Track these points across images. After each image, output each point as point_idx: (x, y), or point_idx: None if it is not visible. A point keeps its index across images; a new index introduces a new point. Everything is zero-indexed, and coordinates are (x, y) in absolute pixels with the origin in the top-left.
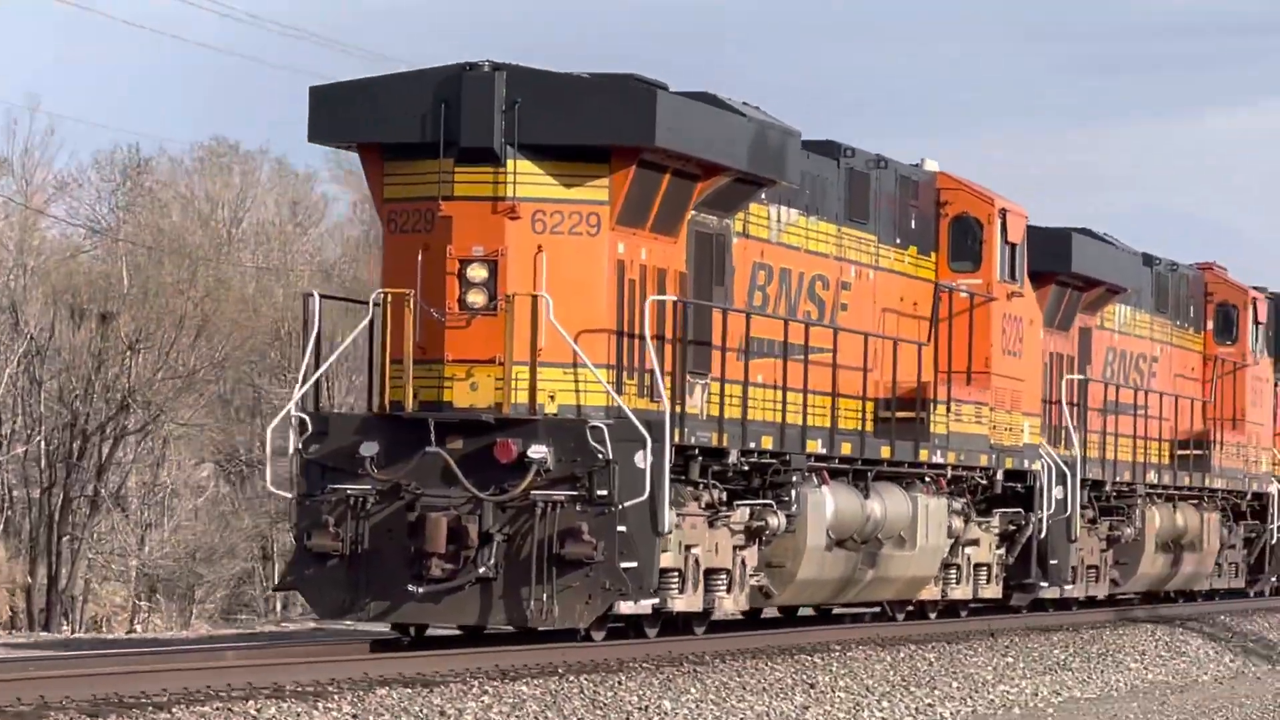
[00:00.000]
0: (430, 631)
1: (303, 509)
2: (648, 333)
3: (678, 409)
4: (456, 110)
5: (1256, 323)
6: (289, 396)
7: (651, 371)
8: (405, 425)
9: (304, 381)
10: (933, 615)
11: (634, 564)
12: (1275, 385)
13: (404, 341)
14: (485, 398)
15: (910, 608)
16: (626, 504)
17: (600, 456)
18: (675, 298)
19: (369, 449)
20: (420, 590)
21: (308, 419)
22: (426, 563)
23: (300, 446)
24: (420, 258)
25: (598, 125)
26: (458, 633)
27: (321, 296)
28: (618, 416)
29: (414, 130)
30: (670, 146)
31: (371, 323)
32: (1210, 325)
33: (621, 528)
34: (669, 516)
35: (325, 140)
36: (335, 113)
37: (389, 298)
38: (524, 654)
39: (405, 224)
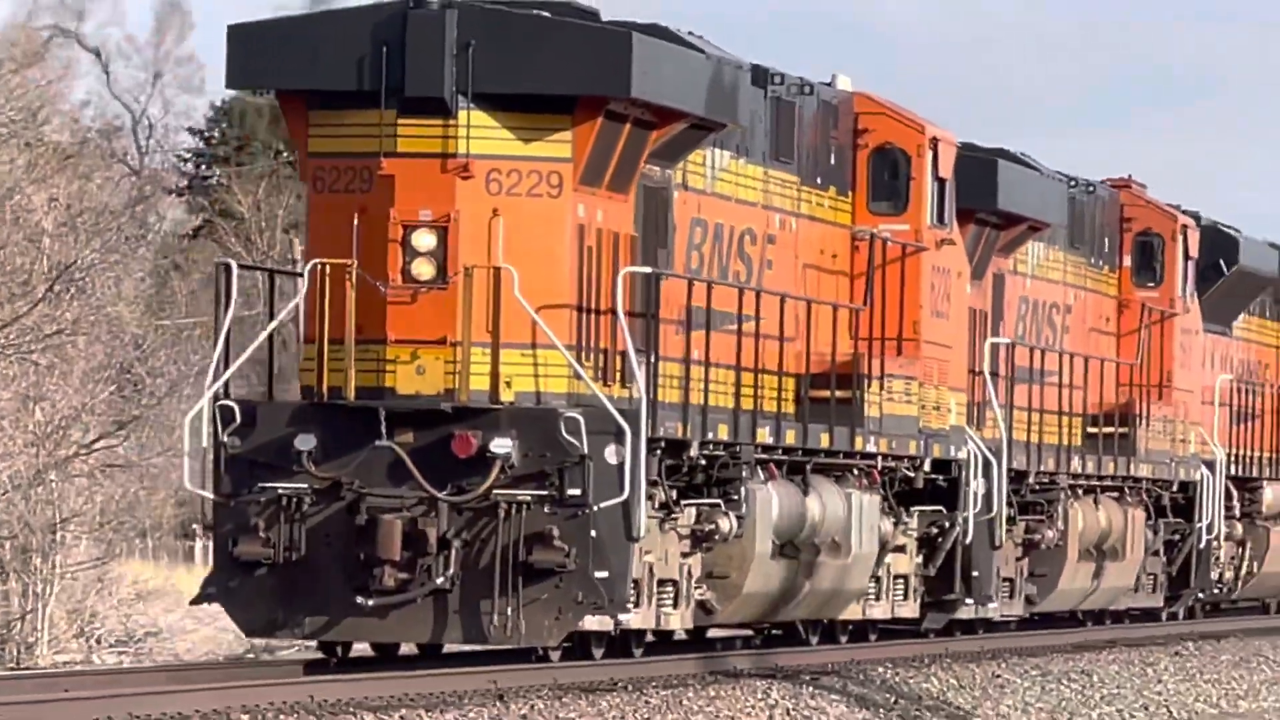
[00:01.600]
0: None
1: (226, 511)
2: (620, 309)
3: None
4: (400, 54)
5: (1187, 258)
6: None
7: (624, 353)
8: (347, 415)
9: (225, 365)
10: (843, 639)
11: (606, 573)
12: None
13: (346, 319)
14: (433, 383)
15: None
16: (602, 505)
17: (573, 451)
18: (650, 269)
19: (305, 442)
20: (370, 603)
21: (235, 408)
22: (378, 572)
23: (224, 440)
24: (356, 221)
25: (564, 72)
26: (370, 653)
27: (241, 267)
28: (585, 404)
29: (350, 76)
30: (644, 97)
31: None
32: (1128, 261)
33: (593, 532)
34: (644, 520)
35: (245, 85)
36: (258, 54)
37: (326, 269)
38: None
39: (336, 183)
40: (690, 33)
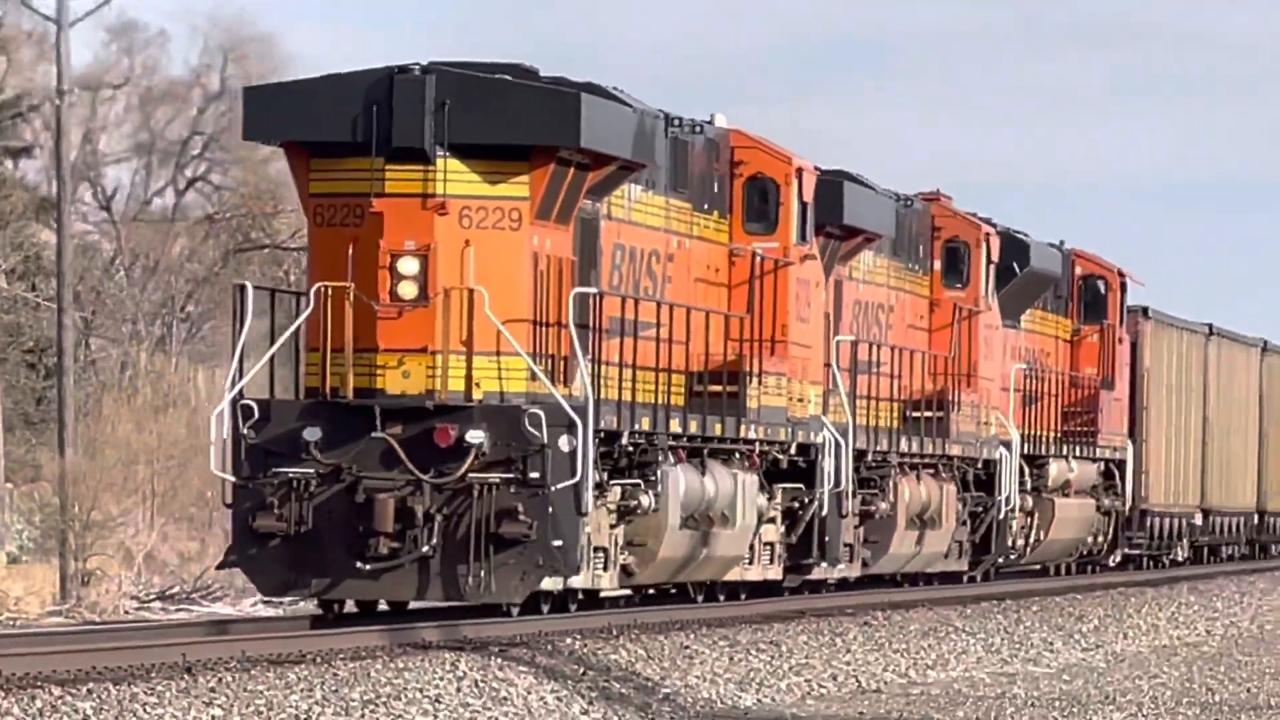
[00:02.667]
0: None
1: (245, 491)
2: (571, 322)
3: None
4: (388, 111)
5: (989, 262)
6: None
7: (569, 359)
8: (346, 411)
9: (241, 372)
10: (721, 597)
11: (561, 543)
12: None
13: (345, 332)
14: (417, 385)
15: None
16: (558, 486)
17: (534, 441)
18: (594, 290)
19: (312, 434)
20: (367, 568)
21: (253, 405)
22: (373, 541)
23: (243, 432)
24: (351, 250)
25: (524, 126)
26: (352, 610)
27: (255, 288)
28: (542, 402)
29: (345, 130)
30: (589, 146)
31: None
32: (938, 265)
33: (550, 509)
34: (591, 498)
35: (259, 138)
36: (269, 112)
37: (328, 290)
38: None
39: (334, 218)
40: (615, 88)
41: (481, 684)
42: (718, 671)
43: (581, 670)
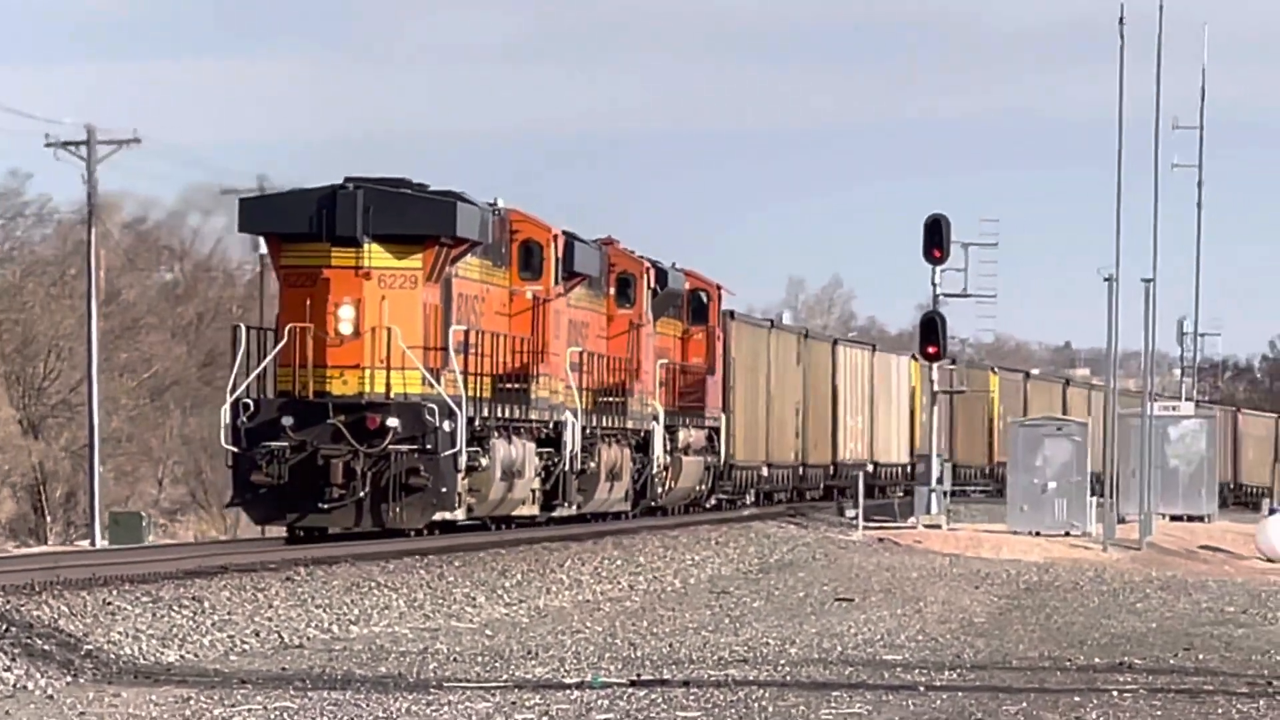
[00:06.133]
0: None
1: (243, 456)
2: (451, 348)
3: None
4: (332, 212)
5: (649, 288)
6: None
7: (442, 371)
8: (308, 406)
9: (237, 384)
10: (505, 526)
11: (446, 490)
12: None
13: (307, 354)
14: (353, 388)
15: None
16: (444, 453)
17: (430, 424)
18: (466, 326)
19: (287, 420)
20: (325, 507)
21: (250, 402)
22: (328, 490)
23: (242, 419)
24: (309, 303)
25: (419, 223)
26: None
27: (248, 327)
28: (432, 399)
29: (305, 224)
30: (458, 234)
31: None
32: (613, 291)
33: (440, 468)
34: (464, 461)
35: (250, 231)
36: (256, 214)
37: (297, 329)
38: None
39: (298, 281)
40: (463, 192)
41: None
42: (140, 628)
43: (4, 627)
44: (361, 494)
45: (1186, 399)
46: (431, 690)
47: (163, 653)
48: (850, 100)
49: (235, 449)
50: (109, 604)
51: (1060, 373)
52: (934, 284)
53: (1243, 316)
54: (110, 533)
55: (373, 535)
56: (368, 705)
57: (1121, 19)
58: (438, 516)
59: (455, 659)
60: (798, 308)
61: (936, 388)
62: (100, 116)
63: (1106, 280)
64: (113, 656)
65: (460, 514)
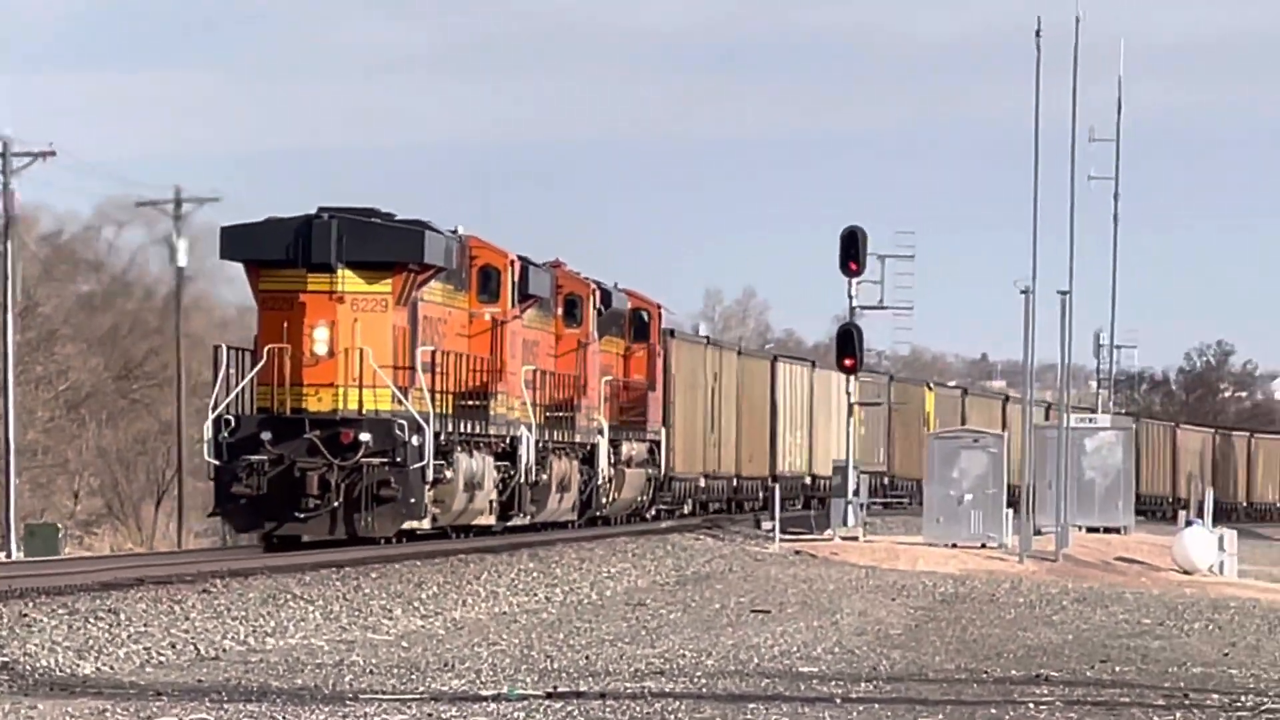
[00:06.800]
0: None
1: (225, 469)
2: (419, 367)
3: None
4: (308, 240)
5: (595, 309)
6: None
7: (420, 389)
8: (286, 421)
9: (219, 401)
10: (464, 535)
11: (414, 500)
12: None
13: (284, 373)
14: (328, 405)
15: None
16: (413, 466)
17: (400, 439)
18: (432, 346)
19: (266, 435)
20: (301, 516)
21: (231, 418)
22: (304, 500)
23: (223, 434)
24: (286, 325)
25: (389, 250)
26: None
27: (229, 347)
28: (402, 415)
29: (282, 252)
30: (426, 261)
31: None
32: (560, 312)
33: (409, 480)
34: (431, 474)
35: (230, 257)
36: (236, 241)
37: (276, 350)
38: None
39: (275, 306)
40: (429, 221)
41: None
42: (56, 640)
43: None
44: (335, 504)
45: (1103, 411)
46: (348, 702)
47: (79, 665)
48: (767, 112)
49: (217, 462)
50: (25, 615)
51: (976, 385)
52: (850, 296)
53: (1158, 329)
54: (25, 544)
55: (344, 543)
56: (284, 717)
57: (1038, 31)
58: (406, 525)
59: (371, 671)
60: (714, 319)
61: (854, 400)
62: (11, 129)
63: (1023, 293)
64: (29, 669)
65: (426, 523)
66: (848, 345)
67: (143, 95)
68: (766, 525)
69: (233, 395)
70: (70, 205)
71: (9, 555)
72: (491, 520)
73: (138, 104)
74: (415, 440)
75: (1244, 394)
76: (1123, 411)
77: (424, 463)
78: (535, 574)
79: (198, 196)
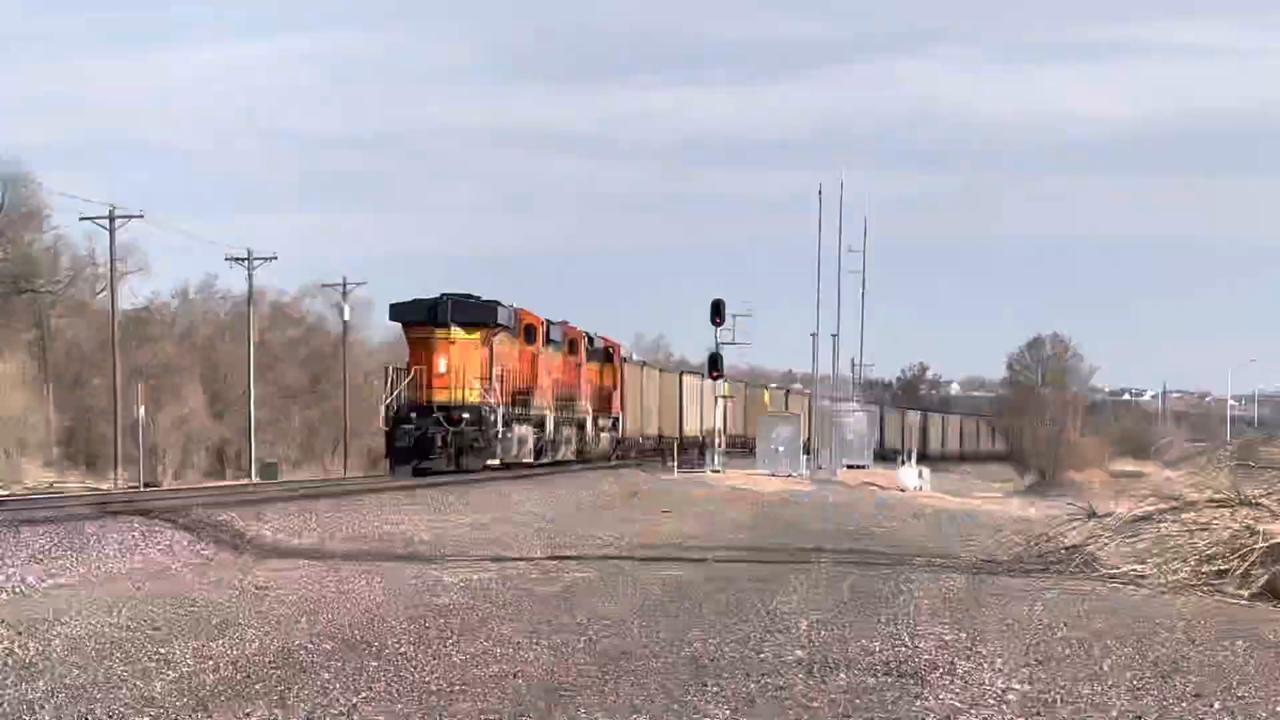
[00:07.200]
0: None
1: (391, 433)
2: (494, 378)
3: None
4: (435, 311)
5: (586, 346)
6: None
7: (494, 391)
8: (424, 408)
9: (389, 396)
10: (511, 470)
11: (492, 449)
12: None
13: (422, 382)
14: (445, 399)
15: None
16: (490, 432)
17: (484, 417)
18: (500, 369)
19: (413, 415)
20: (432, 458)
21: (395, 406)
22: (433, 450)
23: (391, 414)
24: (424, 355)
25: (479, 317)
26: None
27: (393, 368)
28: (488, 405)
29: (423, 316)
30: (499, 322)
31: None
32: (566, 348)
33: (489, 438)
34: (500, 434)
35: (394, 319)
36: (398, 311)
37: (418, 370)
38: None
39: (418, 346)
40: (499, 300)
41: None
42: (279, 526)
43: (207, 527)
44: (450, 452)
45: (856, 401)
46: (448, 562)
47: (290, 541)
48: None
49: (386, 429)
50: (260, 515)
51: (791, 387)
52: (716, 337)
53: (887, 355)
54: (261, 474)
55: (454, 472)
56: (411, 568)
57: (820, 190)
58: (488, 463)
59: (455, 543)
60: (643, 349)
61: (717, 394)
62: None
63: (812, 335)
64: (264, 544)
65: (496, 461)
66: (714, 364)
67: (319, 225)
68: (670, 464)
69: (395, 393)
70: (283, 285)
71: (251, 479)
72: (530, 459)
73: (316, 231)
74: (491, 418)
75: (935, 392)
76: (867, 402)
77: (496, 430)
78: (543, 491)
79: (356, 281)
